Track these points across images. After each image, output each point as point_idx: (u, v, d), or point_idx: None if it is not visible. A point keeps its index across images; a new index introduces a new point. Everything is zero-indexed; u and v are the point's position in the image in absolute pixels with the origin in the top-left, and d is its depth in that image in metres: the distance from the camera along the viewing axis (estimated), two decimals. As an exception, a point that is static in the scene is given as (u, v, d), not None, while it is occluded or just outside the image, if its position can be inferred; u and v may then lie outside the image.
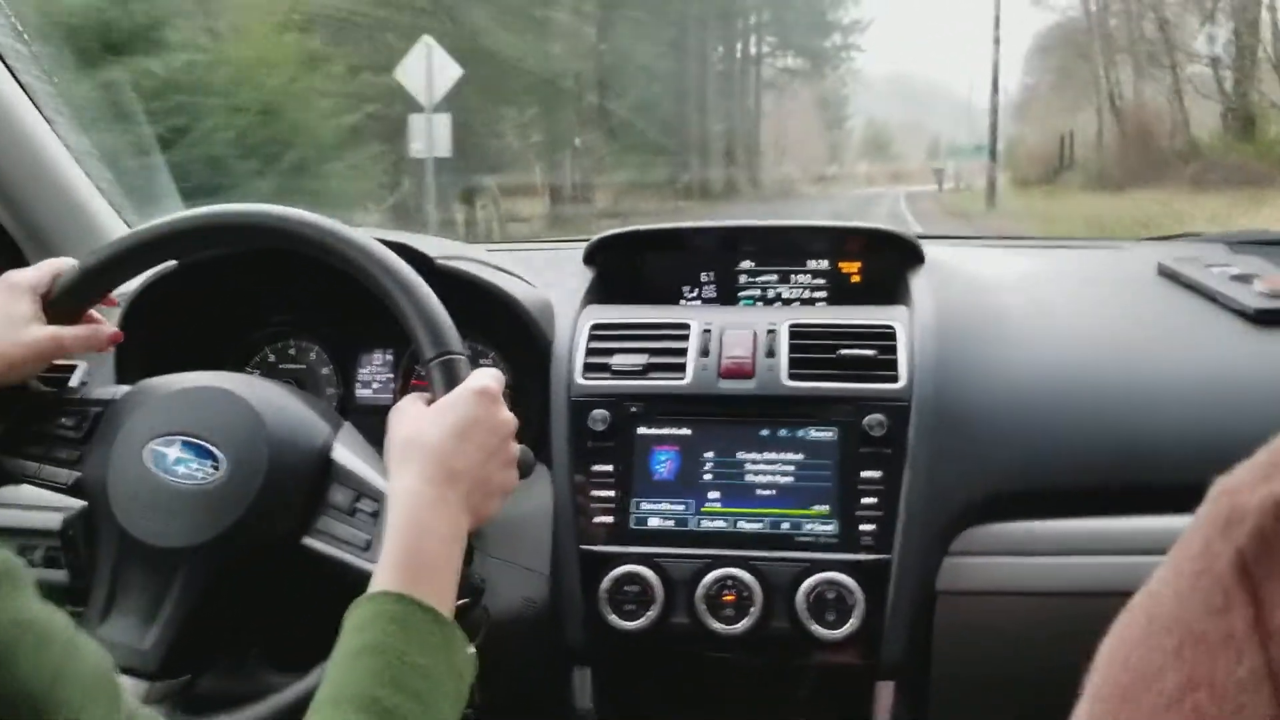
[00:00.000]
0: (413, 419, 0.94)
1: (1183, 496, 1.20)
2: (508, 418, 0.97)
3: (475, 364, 1.00)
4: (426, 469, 0.90)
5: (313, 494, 1.01)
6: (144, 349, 1.37)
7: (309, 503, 1.01)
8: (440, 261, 1.31)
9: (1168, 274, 1.52)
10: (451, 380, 0.96)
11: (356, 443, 1.07)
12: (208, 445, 1.00)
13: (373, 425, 1.06)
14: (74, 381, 1.43)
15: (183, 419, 1.01)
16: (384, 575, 0.84)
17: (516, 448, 0.98)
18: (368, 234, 1.05)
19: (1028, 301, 1.43)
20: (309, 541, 1.00)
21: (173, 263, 1.33)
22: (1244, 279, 1.43)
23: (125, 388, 1.08)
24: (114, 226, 1.76)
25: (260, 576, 1.02)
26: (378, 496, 0.98)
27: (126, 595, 0.98)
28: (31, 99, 1.60)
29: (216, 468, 0.98)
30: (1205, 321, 1.38)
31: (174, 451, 0.99)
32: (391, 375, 1.50)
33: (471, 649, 0.87)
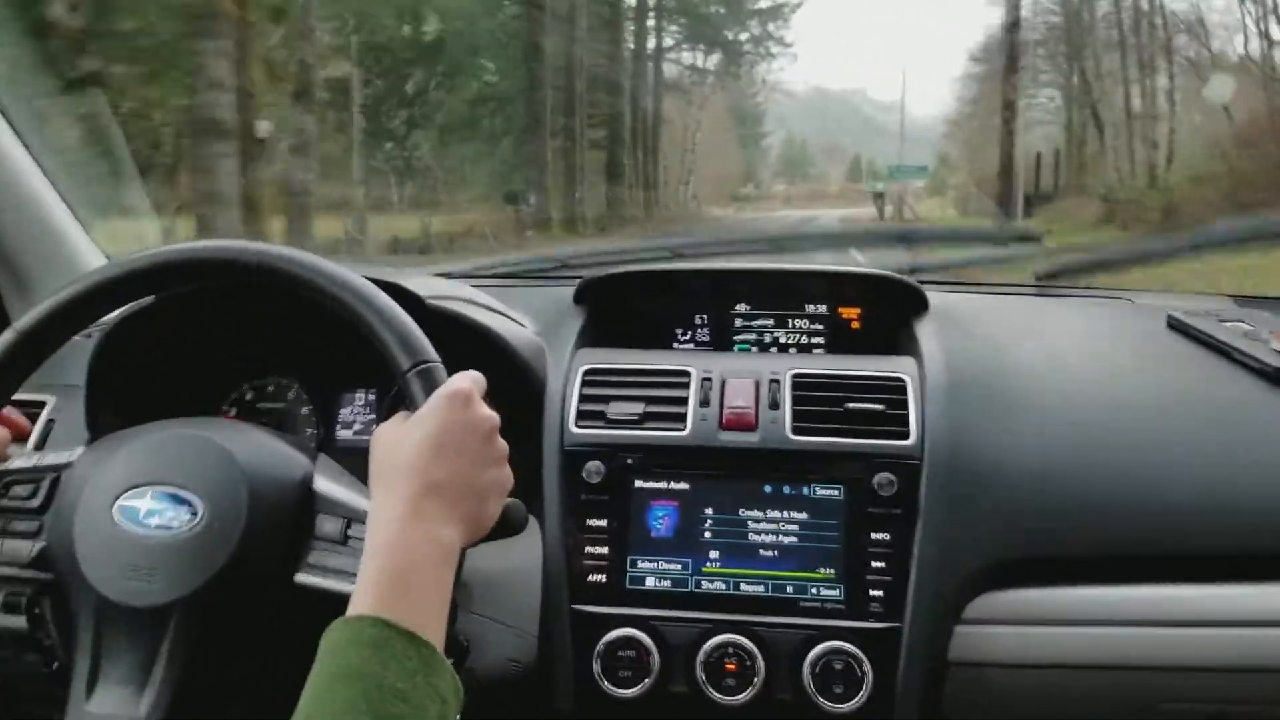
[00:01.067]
0: (388, 440, 0.90)
1: (1204, 565, 1.17)
2: (486, 415, 0.92)
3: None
4: (403, 486, 0.86)
5: (300, 527, 0.97)
6: (116, 388, 1.30)
7: (297, 537, 0.97)
8: (432, 301, 1.25)
9: (1179, 328, 1.48)
10: (430, 388, 0.93)
11: (337, 471, 1.03)
12: (181, 492, 0.95)
13: (355, 466, 1.02)
14: (42, 417, 1.37)
15: (150, 469, 0.96)
16: (359, 597, 0.80)
17: (504, 445, 0.94)
18: (346, 267, 1.01)
19: (1040, 357, 1.38)
20: (303, 577, 0.96)
21: (149, 299, 1.26)
22: (1258, 335, 1.39)
23: (79, 449, 1.02)
24: (89, 253, 1.69)
25: (256, 622, 0.97)
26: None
27: (113, 663, 0.92)
28: (8, 121, 1.54)
29: (194, 514, 0.93)
30: (1222, 380, 1.34)
31: (145, 504, 0.94)
32: (374, 416, 1.43)
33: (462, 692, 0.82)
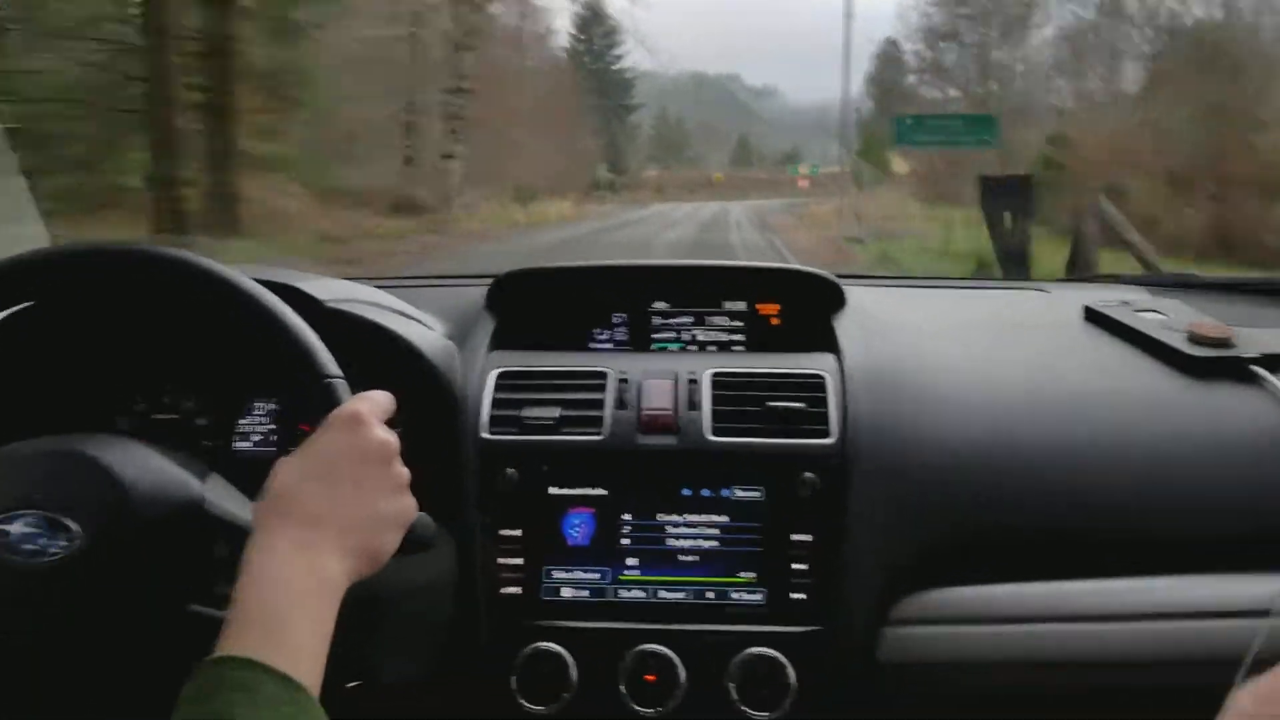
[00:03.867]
0: (280, 469, 0.84)
1: (1129, 556, 1.16)
2: (381, 440, 0.86)
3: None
4: (280, 520, 0.80)
5: (192, 553, 0.91)
6: None
7: (190, 563, 0.91)
8: (330, 304, 1.19)
9: (1095, 319, 1.48)
10: (326, 407, 0.88)
11: (230, 491, 0.97)
12: (56, 516, 0.87)
13: (255, 480, 0.95)
14: None
15: (21, 491, 0.88)
16: (228, 636, 0.74)
17: (404, 472, 0.88)
18: (235, 269, 0.97)
19: (958, 351, 1.37)
20: (198, 608, 0.90)
21: (29, 303, 1.18)
22: (1173, 325, 1.39)
23: None
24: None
25: (145, 655, 0.90)
26: None
27: None
28: None
29: (71, 539, 0.86)
30: (1138, 370, 1.34)
31: (17, 528, 0.86)
32: (274, 427, 1.36)
33: None
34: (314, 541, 0.79)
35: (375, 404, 0.88)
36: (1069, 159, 14.36)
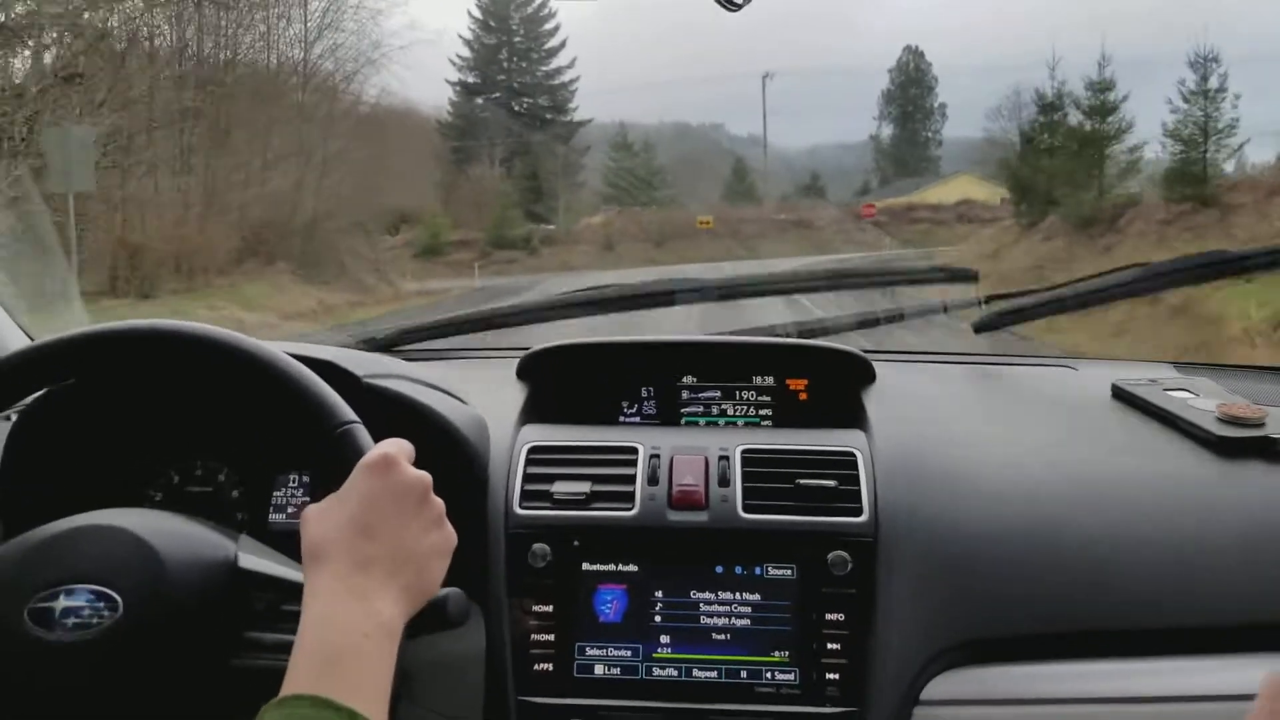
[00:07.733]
0: (315, 520, 0.86)
1: (1161, 640, 1.15)
2: (414, 478, 0.88)
3: None
4: (335, 566, 0.82)
5: (230, 611, 0.93)
6: (34, 472, 1.24)
7: (229, 621, 0.93)
8: (368, 380, 1.21)
9: (1123, 397, 1.48)
10: (352, 451, 0.92)
11: (262, 549, 0.99)
12: (97, 587, 0.89)
13: (289, 551, 0.97)
14: None
15: (61, 568, 0.90)
16: (293, 677, 0.76)
17: (439, 504, 0.91)
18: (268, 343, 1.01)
19: (987, 429, 1.37)
20: (240, 661, 0.92)
21: (69, 380, 1.21)
22: (1202, 405, 1.39)
23: None
24: (9, 334, 1.62)
25: (193, 712, 0.92)
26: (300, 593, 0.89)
27: None
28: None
29: (113, 608, 0.88)
30: (1168, 451, 1.33)
31: (60, 604, 0.88)
32: (308, 499, 1.37)
33: None
34: (367, 586, 0.82)
35: (401, 447, 0.91)
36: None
